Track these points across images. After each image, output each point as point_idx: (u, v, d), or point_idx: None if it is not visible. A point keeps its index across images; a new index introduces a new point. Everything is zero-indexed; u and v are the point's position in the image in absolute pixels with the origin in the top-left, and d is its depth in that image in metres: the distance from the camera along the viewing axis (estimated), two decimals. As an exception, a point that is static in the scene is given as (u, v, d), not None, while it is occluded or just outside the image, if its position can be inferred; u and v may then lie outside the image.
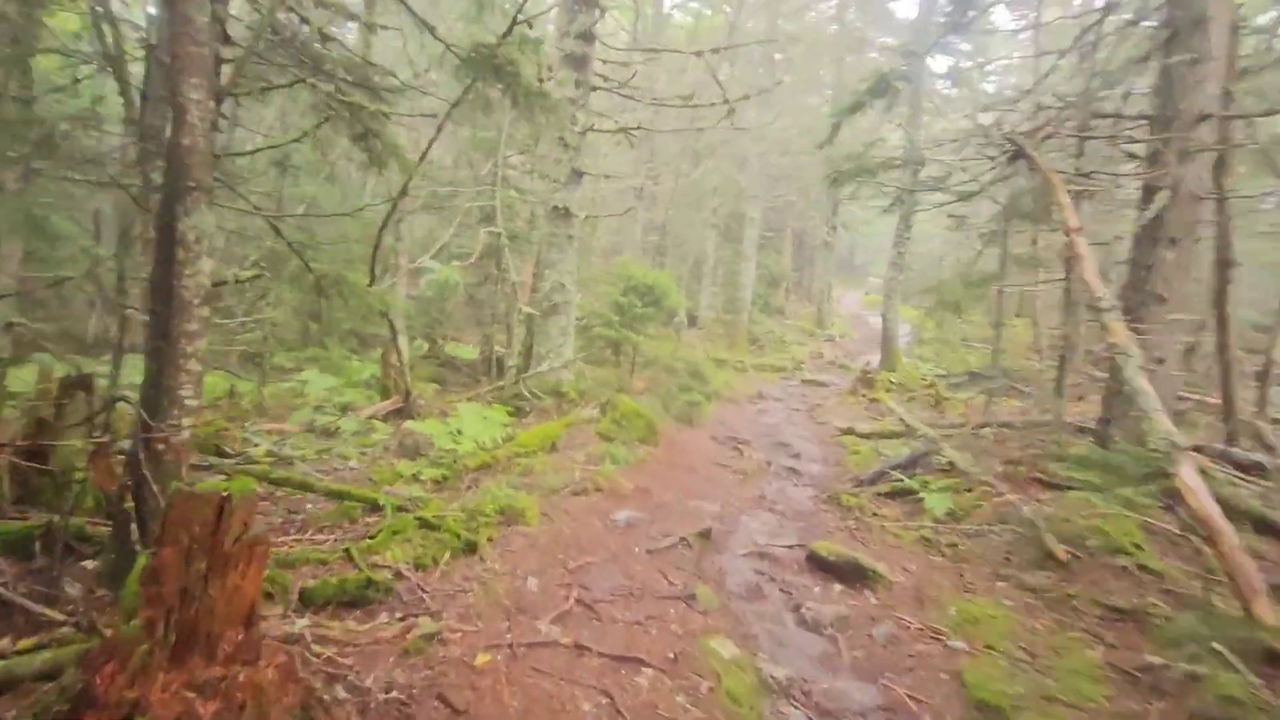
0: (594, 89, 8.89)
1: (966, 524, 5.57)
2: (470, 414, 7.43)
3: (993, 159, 7.03)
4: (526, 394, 8.68)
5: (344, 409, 8.05)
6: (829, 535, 5.50)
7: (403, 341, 7.93)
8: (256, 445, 5.90)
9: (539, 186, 10.44)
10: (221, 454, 5.83)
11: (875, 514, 5.95)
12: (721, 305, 17.58)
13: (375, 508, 4.68)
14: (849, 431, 9.52)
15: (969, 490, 6.32)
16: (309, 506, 4.83)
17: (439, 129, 5.23)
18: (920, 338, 18.13)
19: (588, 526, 4.99)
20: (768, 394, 13.30)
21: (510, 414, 8.44)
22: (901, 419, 9.73)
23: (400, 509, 4.76)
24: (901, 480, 6.51)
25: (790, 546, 5.27)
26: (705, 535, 5.16)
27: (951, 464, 6.84)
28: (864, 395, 12.49)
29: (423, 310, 11.04)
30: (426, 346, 13.07)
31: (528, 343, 9.78)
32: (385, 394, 7.96)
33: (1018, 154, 6.35)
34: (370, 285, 6.60)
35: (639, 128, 8.51)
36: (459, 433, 6.79)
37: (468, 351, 13.56)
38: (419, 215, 11.64)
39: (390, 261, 8.28)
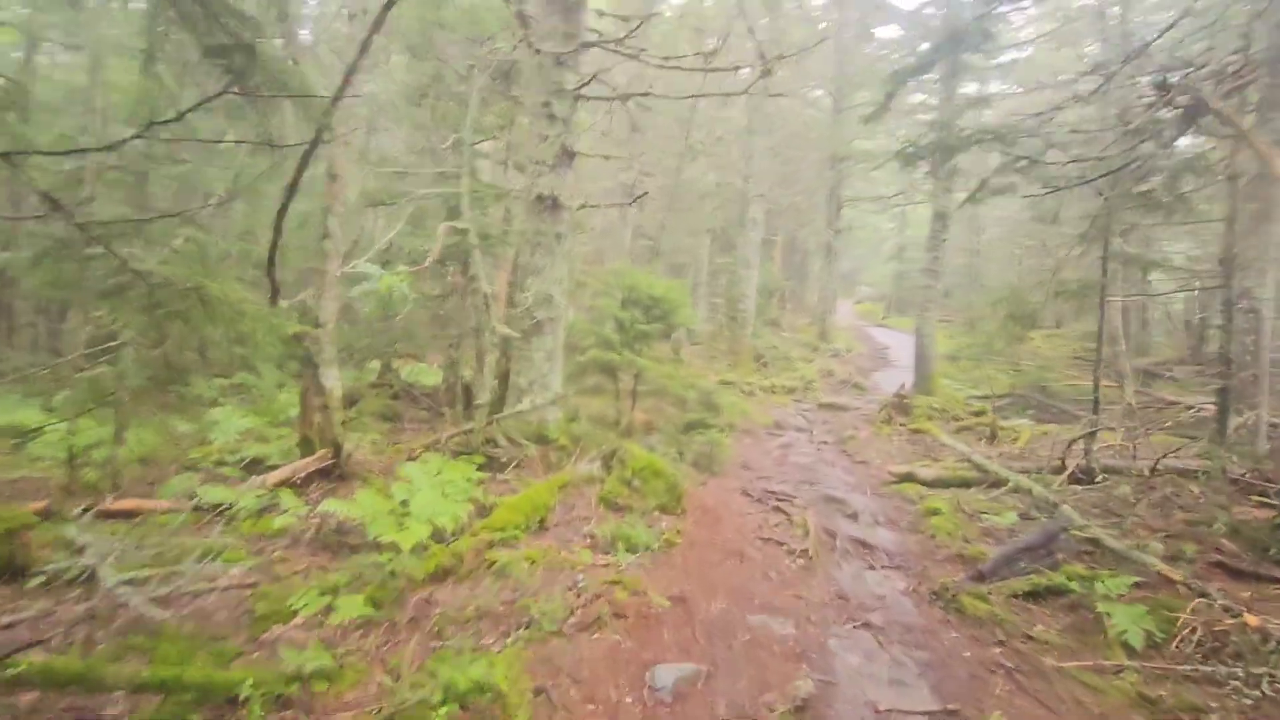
0: (587, 45, 6.91)
1: (1181, 659, 3.66)
2: (424, 477, 5.33)
3: (1133, 131, 5.22)
4: (502, 440, 6.61)
5: (248, 468, 5.89)
6: (978, 685, 3.54)
7: (331, 375, 5.81)
8: (79, 552, 3.73)
9: (517, 180, 8.45)
10: (15, 573, 3.67)
11: (1029, 636, 4.01)
12: (723, 317, 15.69)
13: (234, 701, 2.58)
14: (908, 478, 7.62)
15: (1136, 583, 4.44)
16: (120, 701, 2.71)
17: (364, 44, 3.20)
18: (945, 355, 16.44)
19: (615, 709, 2.94)
20: (786, 423, 11.38)
21: (481, 467, 6.36)
22: (970, 460, 7.90)
23: (280, 702, 2.66)
24: (1042, 573, 4.59)
25: (930, 715, 3.29)
26: (801, 710, 3.15)
27: (1096, 542, 4.96)
28: (901, 424, 10.65)
29: (367, 330, 8.86)
30: (378, 370, 10.90)
31: (503, 368, 7.72)
32: (307, 447, 5.81)
33: (1195, 111, 4.54)
34: (274, 301, 4.52)
35: (648, 93, 6.55)
36: (405, 510, 4.69)
37: (430, 375, 11.38)
38: (366, 211, 9.53)
39: (311, 266, 6.14)
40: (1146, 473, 6.53)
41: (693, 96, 7.50)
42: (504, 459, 6.54)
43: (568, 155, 6.91)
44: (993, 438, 9.71)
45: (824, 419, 11.97)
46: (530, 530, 4.95)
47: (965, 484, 7.41)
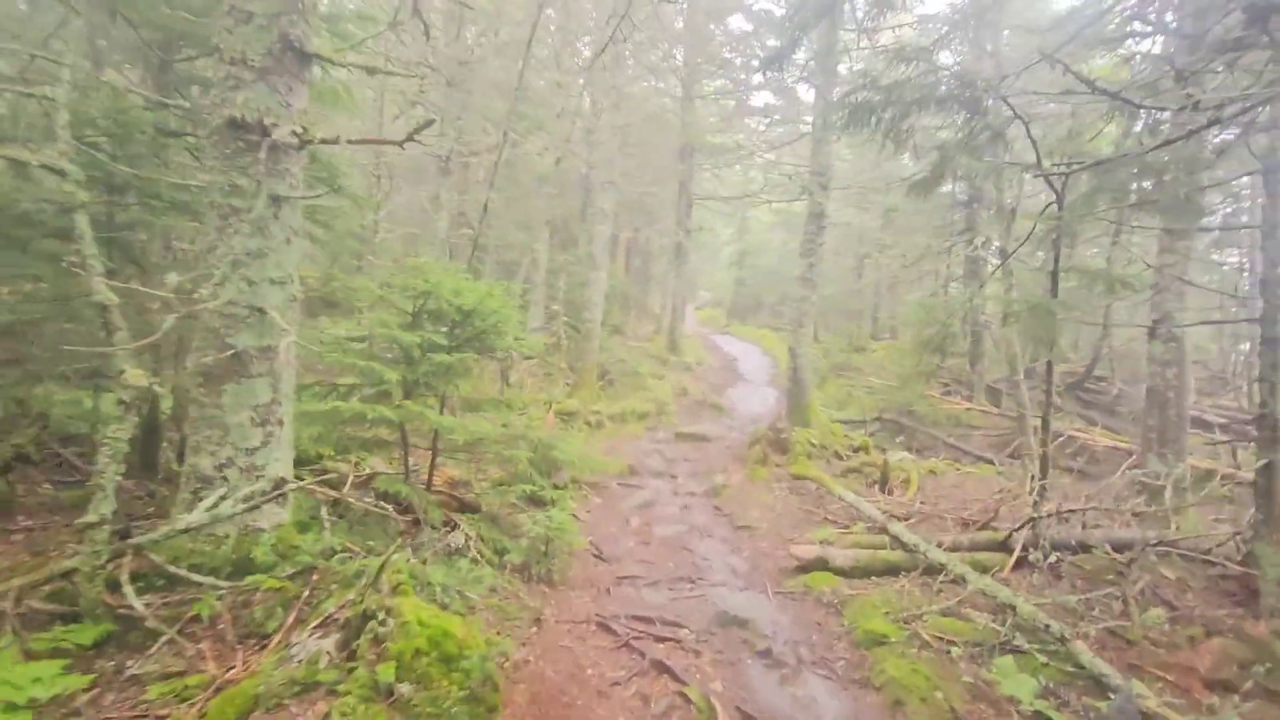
0: None
1: None
2: None
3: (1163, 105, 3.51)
4: (139, 589, 3.41)
5: None
6: None
7: None
8: None
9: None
10: None
11: None
12: (563, 327, 13.06)
13: None
14: (818, 564, 5.62)
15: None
16: None
17: None
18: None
19: None
20: (643, 466, 9.09)
21: (95, 647, 3.17)
22: (889, 532, 6.11)
23: None
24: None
25: None
26: None
27: (1174, 735, 3.12)
28: (779, 465, 8.84)
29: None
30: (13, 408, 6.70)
31: (178, 441, 4.42)
32: None
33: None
34: None
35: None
36: None
37: (110, 407, 7.23)
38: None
39: None
40: (1116, 554, 5.07)
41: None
42: (151, 624, 3.36)
43: (295, 55, 3.86)
44: (884, 483, 8.19)
45: (685, 455, 9.88)
46: None
47: (892, 570, 5.57)
